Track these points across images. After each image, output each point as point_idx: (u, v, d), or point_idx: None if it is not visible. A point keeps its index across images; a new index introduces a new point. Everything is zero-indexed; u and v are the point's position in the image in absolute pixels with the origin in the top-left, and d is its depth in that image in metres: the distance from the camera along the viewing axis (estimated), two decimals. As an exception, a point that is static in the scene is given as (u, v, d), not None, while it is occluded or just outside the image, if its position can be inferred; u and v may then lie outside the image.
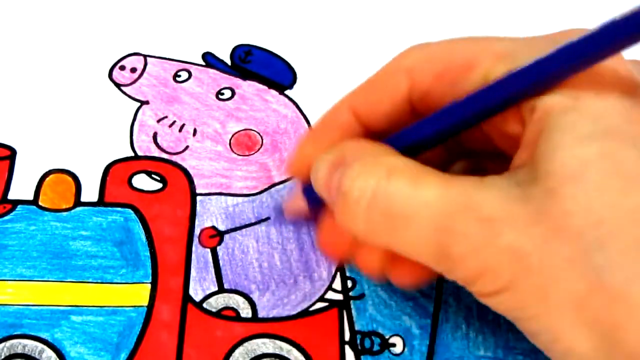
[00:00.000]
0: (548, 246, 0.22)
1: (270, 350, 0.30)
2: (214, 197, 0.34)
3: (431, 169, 0.24)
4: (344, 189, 0.25)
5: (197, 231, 0.33)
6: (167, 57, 0.38)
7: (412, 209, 0.23)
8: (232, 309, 0.31)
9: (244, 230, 0.33)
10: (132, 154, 0.35)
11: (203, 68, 0.38)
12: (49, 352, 0.30)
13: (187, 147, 0.35)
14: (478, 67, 0.25)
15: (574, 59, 0.22)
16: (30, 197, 0.34)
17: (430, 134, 0.26)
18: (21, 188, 0.34)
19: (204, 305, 0.31)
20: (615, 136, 0.22)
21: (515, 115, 0.24)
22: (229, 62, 0.38)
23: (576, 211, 0.21)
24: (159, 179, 0.34)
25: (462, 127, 0.25)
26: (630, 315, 0.21)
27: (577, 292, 0.22)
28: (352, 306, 0.32)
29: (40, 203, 0.33)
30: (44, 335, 0.30)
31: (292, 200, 0.31)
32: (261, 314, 0.31)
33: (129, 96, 0.37)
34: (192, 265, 0.32)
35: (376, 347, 0.31)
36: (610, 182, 0.22)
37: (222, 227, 0.33)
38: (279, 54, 0.38)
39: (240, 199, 0.34)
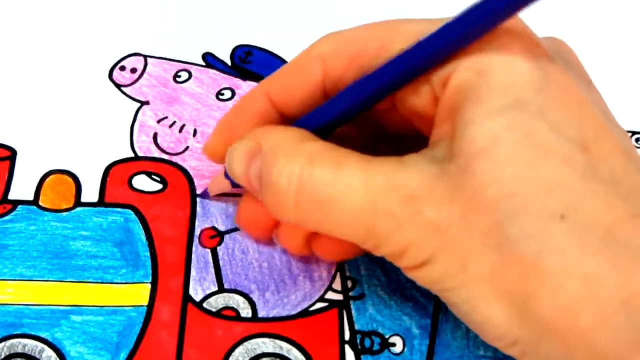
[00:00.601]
0: (465, 220, 0.22)
1: (270, 350, 0.30)
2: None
3: (351, 152, 0.25)
4: (273, 180, 0.25)
5: (197, 231, 0.33)
6: (167, 57, 0.38)
7: (336, 193, 0.24)
8: (232, 308, 0.31)
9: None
10: (132, 155, 0.35)
11: (203, 68, 0.38)
12: (49, 352, 0.30)
13: (187, 147, 0.35)
14: (390, 50, 0.25)
15: (470, 24, 0.23)
16: (31, 197, 0.34)
17: (340, 110, 0.26)
18: (21, 188, 0.34)
19: (204, 305, 0.31)
20: (524, 107, 0.22)
21: (429, 93, 0.25)
22: (229, 62, 0.38)
23: (489, 184, 0.22)
24: (159, 179, 0.34)
25: (370, 101, 0.26)
26: (543, 285, 0.22)
27: (493, 264, 0.22)
28: (352, 306, 0.32)
29: (40, 203, 0.33)
30: (44, 335, 0.30)
31: (215, 181, 0.32)
32: (261, 313, 0.31)
33: (129, 96, 0.37)
34: (192, 265, 0.32)
35: (376, 347, 0.31)
36: (520, 153, 0.22)
37: (222, 228, 0.33)
38: (279, 54, 0.38)
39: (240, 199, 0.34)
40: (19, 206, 0.33)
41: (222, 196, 0.34)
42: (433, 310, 0.32)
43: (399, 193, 0.23)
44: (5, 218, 0.33)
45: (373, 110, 0.27)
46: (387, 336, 0.31)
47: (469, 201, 0.22)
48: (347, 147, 0.26)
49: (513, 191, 0.22)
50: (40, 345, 0.30)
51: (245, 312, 0.31)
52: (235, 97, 0.37)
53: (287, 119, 0.29)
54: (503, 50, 0.23)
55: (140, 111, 0.37)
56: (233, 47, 0.39)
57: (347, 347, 0.31)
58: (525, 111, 0.22)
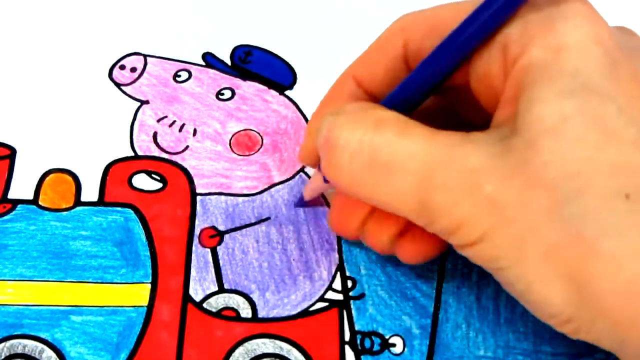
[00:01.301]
0: (525, 197, 0.22)
1: (270, 350, 0.30)
2: (214, 197, 0.34)
3: (419, 123, 0.25)
4: (330, 139, 0.25)
5: (197, 231, 0.33)
6: (167, 57, 0.38)
7: (397, 159, 0.24)
8: (232, 309, 0.31)
9: (244, 230, 0.33)
10: (132, 154, 0.35)
11: (203, 68, 0.38)
12: (49, 352, 0.30)
13: (187, 147, 0.35)
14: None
15: None
16: (30, 196, 0.34)
17: (421, 80, 0.26)
18: (21, 188, 0.34)
19: (204, 305, 0.31)
20: (594, 92, 0.22)
21: (500, 66, 0.25)
22: (229, 62, 0.38)
23: (554, 163, 0.22)
24: (159, 178, 0.34)
25: (449, 66, 0.26)
26: (602, 266, 0.22)
27: (552, 243, 0.22)
28: (352, 306, 0.32)
29: (40, 203, 0.33)
30: (44, 335, 0.30)
31: (311, 181, 0.32)
32: (261, 314, 0.31)
33: (129, 96, 0.37)
34: (192, 265, 0.32)
35: (376, 347, 0.31)
36: (588, 135, 0.22)
37: (222, 227, 0.33)
38: (279, 54, 0.38)
39: (240, 199, 0.34)
40: (19, 206, 0.33)
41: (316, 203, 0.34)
42: (433, 311, 0.32)
43: (458, 166, 0.23)
44: (5, 218, 0.33)
45: (447, 91, 0.27)
46: (387, 336, 0.31)
47: (530, 178, 0.22)
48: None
49: (578, 171, 0.22)
50: (40, 345, 0.30)
51: (246, 312, 0.31)
52: (235, 97, 0.37)
53: (375, 100, 0.29)
54: (576, 33, 0.23)
55: (140, 110, 0.36)
56: (233, 47, 0.38)
57: (347, 347, 0.31)
58: (595, 95, 0.22)
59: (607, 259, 0.21)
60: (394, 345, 0.31)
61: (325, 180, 0.29)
